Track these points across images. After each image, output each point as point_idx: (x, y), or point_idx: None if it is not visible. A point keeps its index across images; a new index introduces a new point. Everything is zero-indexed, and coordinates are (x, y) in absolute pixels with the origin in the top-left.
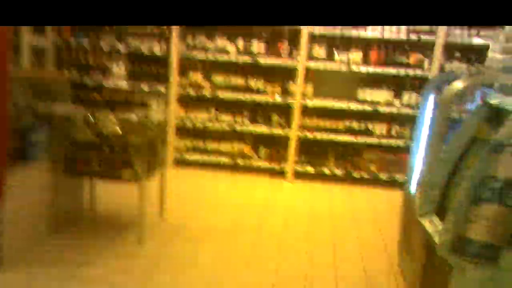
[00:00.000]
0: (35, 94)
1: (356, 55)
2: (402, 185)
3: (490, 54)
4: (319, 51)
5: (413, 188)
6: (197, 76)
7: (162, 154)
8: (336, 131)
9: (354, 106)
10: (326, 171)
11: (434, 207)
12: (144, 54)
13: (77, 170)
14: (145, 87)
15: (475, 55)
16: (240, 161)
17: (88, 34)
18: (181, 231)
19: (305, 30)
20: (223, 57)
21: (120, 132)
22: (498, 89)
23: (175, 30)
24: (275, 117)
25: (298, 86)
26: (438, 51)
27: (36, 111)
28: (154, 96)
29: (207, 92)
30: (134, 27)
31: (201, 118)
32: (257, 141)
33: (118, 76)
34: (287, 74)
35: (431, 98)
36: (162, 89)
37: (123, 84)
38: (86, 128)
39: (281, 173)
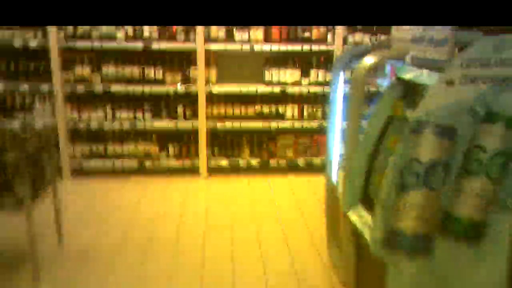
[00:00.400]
0: None
1: (257, 33)
2: (321, 170)
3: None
4: (218, 31)
5: (334, 175)
6: (84, 70)
7: (51, 167)
8: (246, 118)
9: (262, 88)
10: (242, 162)
11: (359, 196)
12: (18, 48)
13: None
14: (24, 87)
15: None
16: (147, 163)
17: None
18: (85, 257)
19: None
20: (111, 45)
21: None
22: (409, 62)
23: None
24: (179, 109)
25: (199, 72)
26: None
27: None
28: (36, 97)
29: (98, 87)
30: None
31: (96, 117)
32: (163, 138)
33: None
34: (186, 59)
35: (341, 75)
36: (45, 88)
37: None
38: None
39: (194, 171)
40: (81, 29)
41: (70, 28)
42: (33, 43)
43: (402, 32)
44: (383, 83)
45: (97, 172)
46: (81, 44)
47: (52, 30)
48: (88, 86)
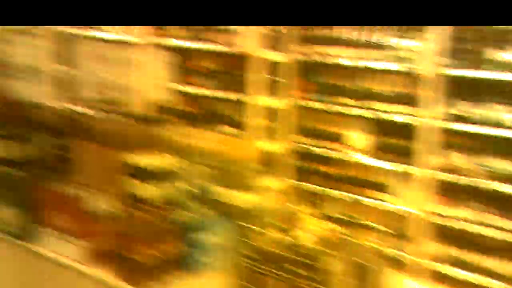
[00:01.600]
0: (213, 175)
1: None
2: None
3: None
4: None
5: None
6: (460, 157)
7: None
8: None
9: None
10: None
11: None
12: (391, 122)
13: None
14: (388, 164)
15: None
16: None
17: (326, 95)
18: None
19: None
20: (497, 132)
21: (319, 247)
22: None
23: (433, 92)
24: None
25: None
26: None
27: (210, 199)
28: (398, 179)
29: (475, 181)
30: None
31: (463, 217)
32: None
33: (356, 148)
34: None
35: None
36: (411, 170)
37: (361, 158)
38: (276, 231)
39: None
40: (462, 110)
41: (456, 106)
42: (408, 119)
43: None
44: None
45: (457, 283)
46: (459, 126)
47: (433, 105)
48: (461, 178)
